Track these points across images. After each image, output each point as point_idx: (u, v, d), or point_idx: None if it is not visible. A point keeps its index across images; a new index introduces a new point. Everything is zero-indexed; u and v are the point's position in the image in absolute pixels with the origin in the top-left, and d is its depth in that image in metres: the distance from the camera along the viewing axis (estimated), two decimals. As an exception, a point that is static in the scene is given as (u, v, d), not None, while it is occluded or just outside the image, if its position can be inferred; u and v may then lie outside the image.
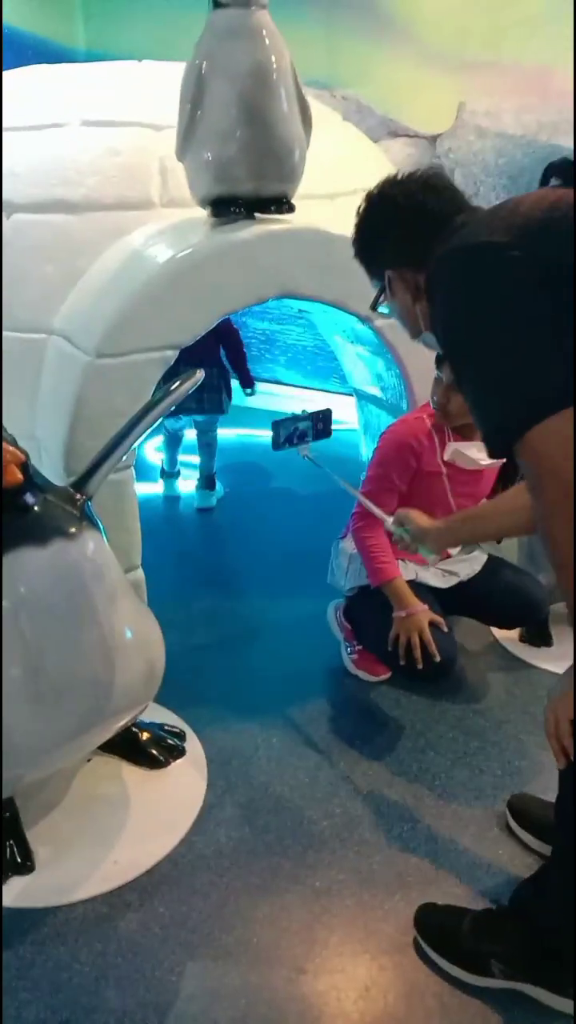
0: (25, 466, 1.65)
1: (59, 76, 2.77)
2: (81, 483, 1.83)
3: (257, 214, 2.19)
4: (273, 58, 2.01)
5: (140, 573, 2.30)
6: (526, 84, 3.46)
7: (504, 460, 2.18)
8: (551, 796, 2.02)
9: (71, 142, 2.44)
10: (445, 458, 2.08)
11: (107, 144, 2.44)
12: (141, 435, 1.92)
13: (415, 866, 1.85)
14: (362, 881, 1.82)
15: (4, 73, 2.87)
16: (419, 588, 2.26)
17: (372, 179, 2.93)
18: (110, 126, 2.48)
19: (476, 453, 2.09)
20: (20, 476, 1.62)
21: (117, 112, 2.52)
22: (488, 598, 2.37)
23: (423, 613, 2.13)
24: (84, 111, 2.51)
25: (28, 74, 2.84)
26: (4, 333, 2.30)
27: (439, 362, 2.15)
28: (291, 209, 2.20)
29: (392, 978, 1.62)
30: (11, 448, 1.62)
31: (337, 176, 2.75)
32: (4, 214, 2.36)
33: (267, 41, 2.00)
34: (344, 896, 1.78)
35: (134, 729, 2.11)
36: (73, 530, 1.72)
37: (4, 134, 2.50)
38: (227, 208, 2.14)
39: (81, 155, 2.42)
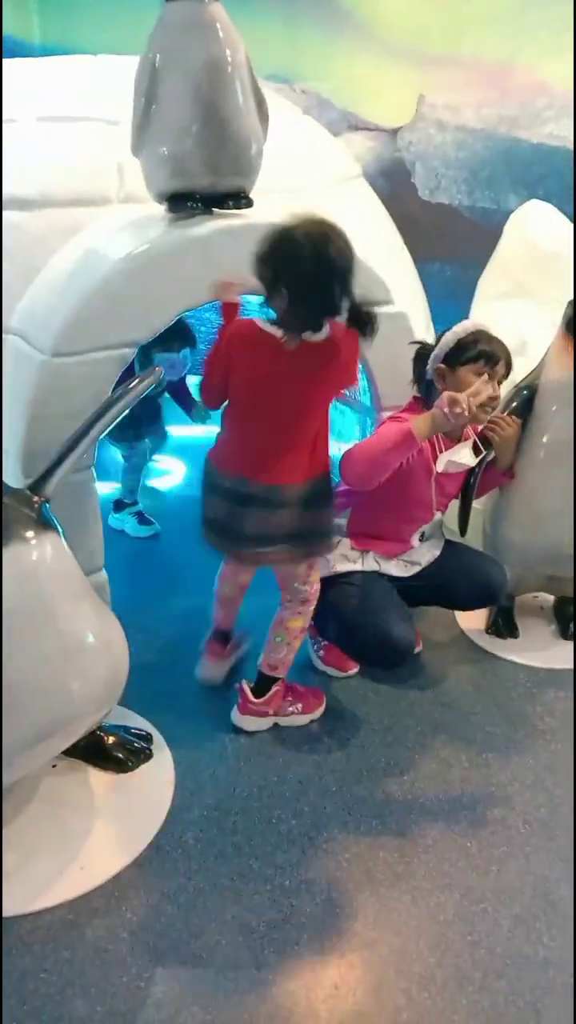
0: (-20, 469, 1.62)
1: (12, 71, 2.72)
2: (38, 485, 1.80)
3: (215, 209, 2.16)
4: (228, 51, 1.98)
5: (103, 575, 2.27)
6: (486, 79, 3.47)
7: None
8: (516, 787, 2.04)
9: (25, 138, 2.40)
10: (438, 469, 2.07)
11: (63, 140, 2.40)
12: (99, 434, 1.90)
13: (383, 862, 1.85)
14: (331, 879, 1.81)
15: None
16: (380, 579, 2.25)
17: (333, 173, 2.95)
18: (66, 121, 2.44)
19: (463, 455, 2.07)
20: (-25, 479, 1.59)
21: (73, 108, 2.48)
22: (448, 580, 2.36)
23: (444, 395, 2.00)
24: (39, 107, 2.47)
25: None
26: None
27: (438, 369, 2.19)
28: (249, 204, 2.18)
29: (361, 975, 1.62)
30: (-36, 451, 1.59)
31: (297, 170, 2.73)
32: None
33: (221, 34, 1.97)
34: (313, 895, 1.78)
35: (99, 733, 2.08)
36: (30, 533, 1.70)
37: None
38: (184, 203, 2.12)
39: (35, 151, 2.38)
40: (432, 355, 2.20)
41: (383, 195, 3.20)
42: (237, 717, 2.21)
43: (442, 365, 2.17)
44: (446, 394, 1.93)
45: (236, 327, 1.98)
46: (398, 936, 1.69)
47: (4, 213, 2.29)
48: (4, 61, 2.91)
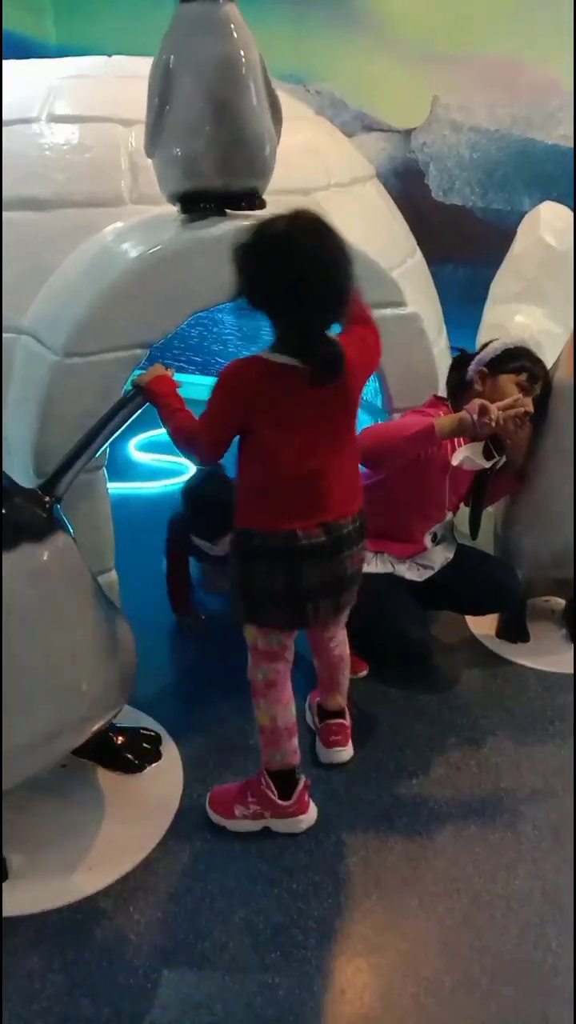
0: (-9, 469, 1.62)
1: (26, 71, 2.73)
2: (49, 485, 1.81)
3: (228, 210, 2.16)
4: (241, 52, 1.98)
5: (114, 575, 2.27)
6: (500, 79, 3.46)
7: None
8: (526, 792, 2.03)
9: (39, 138, 2.41)
10: (454, 462, 2.06)
11: (76, 140, 2.41)
12: (111, 436, 1.90)
13: (391, 867, 1.84)
14: (338, 883, 1.81)
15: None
16: (394, 583, 2.25)
17: (347, 174, 2.94)
18: (79, 122, 2.45)
19: (476, 454, 2.08)
20: (-13, 480, 1.59)
21: (86, 107, 2.49)
22: (460, 585, 2.36)
23: (475, 402, 1.95)
24: (52, 106, 2.48)
25: (-4, 69, 2.80)
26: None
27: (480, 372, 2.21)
28: (262, 205, 2.17)
29: (368, 980, 1.61)
30: (-24, 451, 1.59)
31: (311, 171, 2.73)
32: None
33: (235, 35, 1.97)
34: (321, 898, 1.77)
35: (108, 733, 2.08)
36: (41, 533, 1.70)
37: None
38: (197, 204, 2.11)
39: (50, 151, 2.39)
40: (477, 357, 2.24)
41: (396, 196, 3.19)
42: (342, 752, 2.09)
43: (485, 368, 2.19)
44: (478, 401, 1.92)
45: (243, 370, 1.71)
46: (405, 941, 1.68)
47: (18, 213, 2.30)
48: (18, 62, 2.93)
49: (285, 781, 1.89)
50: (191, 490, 2.63)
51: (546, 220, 3.18)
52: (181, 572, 2.67)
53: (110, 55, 2.85)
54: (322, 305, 1.63)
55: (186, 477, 3.80)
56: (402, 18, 3.61)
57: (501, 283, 3.26)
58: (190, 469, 3.85)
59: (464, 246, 3.73)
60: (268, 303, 1.64)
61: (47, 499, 1.77)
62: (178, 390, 1.86)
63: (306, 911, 1.74)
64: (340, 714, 2.12)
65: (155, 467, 3.88)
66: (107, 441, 1.89)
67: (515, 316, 3.16)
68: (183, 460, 3.90)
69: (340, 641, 2.06)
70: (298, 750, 1.91)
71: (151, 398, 1.85)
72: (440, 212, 3.81)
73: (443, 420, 1.96)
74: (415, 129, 3.77)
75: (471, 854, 1.87)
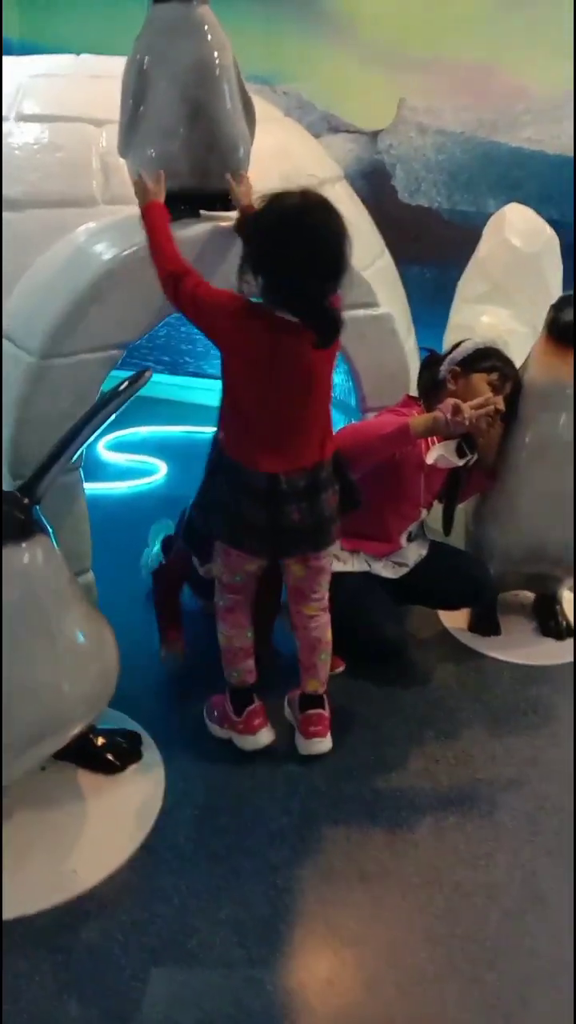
0: (-28, 471, 1.61)
1: (-6, 69, 2.70)
2: (29, 487, 1.80)
3: (202, 211, 2.17)
4: (216, 53, 1.99)
5: (91, 576, 2.27)
6: (466, 82, 3.51)
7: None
8: (502, 783, 2.08)
9: (9, 137, 2.38)
10: (428, 461, 2.10)
11: (47, 139, 2.39)
12: (89, 437, 1.90)
13: (374, 859, 1.87)
14: (322, 876, 1.83)
15: None
16: (370, 580, 2.28)
17: (315, 174, 2.95)
18: (49, 121, 2.43)
19: (449, 452, 2.12)
20: (-33, 482, 1.58)
21: (56, 107, 2.47)
22: (435, 581, 2.41)
23: (448, 401, 2.02)
24: (21, 105, 2.46)
25: (-39, 66, 2.77)
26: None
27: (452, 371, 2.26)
28: (235, 206, 2.18)
29: (354, 970, 1.64)
30: (-43, 454, 1.58)
31: (280, 171, 2.74)
32: None
33: (209, 36, 1.98)
34: (305, 892, 1.79)
35: (88, 735, 2.08)
36: (23, 536, 1.69)
37: None
38: (172, 205, 2.12)
39: (19, 150, 2.37)
40: (449, 356, 2.27)
41: (363, 197, 3.22)
42: (321, 743, 2.11)
43: (457, 367, 2.23)
44: (451, 401, 1.97)
45: (241, 300, 1.85)
46: (390, 931, 1.71)
47: (-9, 213, 2.28)
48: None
49: (241, 699, 2.12)
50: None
51: (511, 222, 3.23)
52: (173, 600, 2.55)
53: (78, 53, 2.83)
54: (331, 273, 1.79)
55: (157, 477, 3.83)
56: (371, 21, 3.65)
57: (467, 284, 3.31)
58: (160, 471, 3.85)
59: (430, 247, 3.78)
60: (278, 269, 1.77)
61: (27, 501, 1.76)
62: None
63: (291, 905, 1.77)
64: (318, 702, 2.15)
65: (125, 467, 3.87)
66: (86, 442, 1.89)
67: (481, 316, 3.20)
68: (153, 460, 3.90)
69: (319, 624, 2.12)
70: (253, 671, 2.13)
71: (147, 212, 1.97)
72: (406, 213, 3.86)
73: (417, 419, 2.00)
74: (382, 131, 3.81)
75: (451, 845, 1.91)
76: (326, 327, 1.82)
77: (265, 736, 2.11)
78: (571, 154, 3.58)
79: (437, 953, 1.66)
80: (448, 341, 3.00)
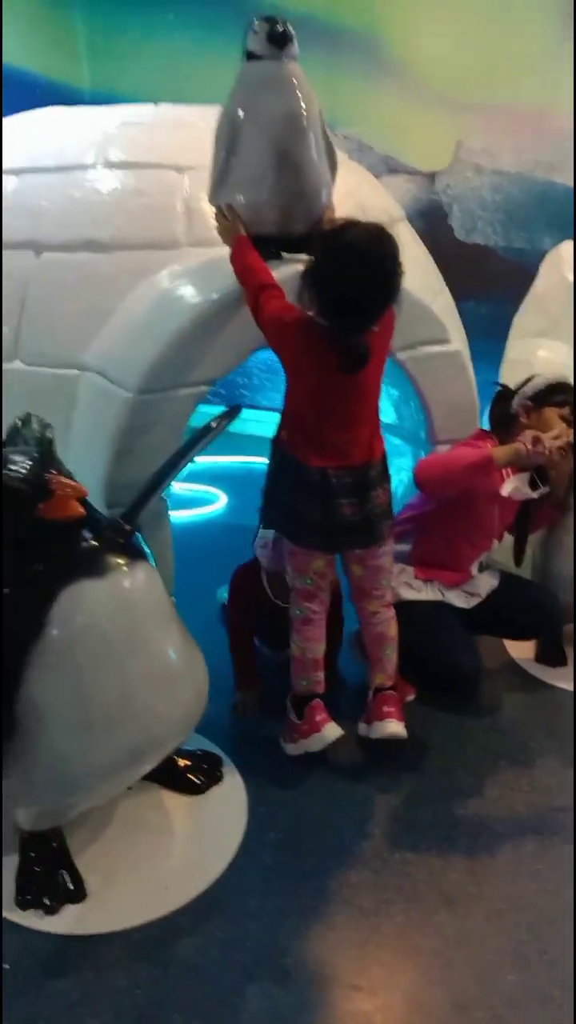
0: (84, 500, 1.70)
1: (78, 118, 2.85)
2: (130, 515, 1.89)
3: (284, 253, 2.27)
4: (304, 106, 2.10)
5: (173, 600, 2.34)
6: (523, 123, 3.62)
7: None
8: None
9: (97, 183, 2.51)
10: (504, 493, 2.17)
11: (132, 185, 2.51)
12: (184, 468, 1.99)
13: (456, 883, 1.91)
14: (407, 899, 1.87)
15: (20, 114, 2.95)
16: (443, 610, 2.33)
17: (381, 215, 3.05)
18: (134, 168, 2.55)
19: (524, 486, 2.20)
20: (82, 510, 1.67)
21: (140, 154, 2.60)
22: (506, 610, 2.46)
23: (528, 433, 2.16)
24: (107, 153, 2.59)
25: (45, 116, 2.92)
26: (36, 370, 2.36)
27: (524, 405, 2.35)
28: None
29: (444, 992, 1.67)
30: (73, 483, 1.67)
31: (349, 213, 2.84)
32: (34, 253, 2.43)
33: (298, 91, 2.09)
34: (392, 914, 1.83)
35: (172, 756, 2.14)
36: (127, 561, 1.78)
37: (30, 175, 2.58)
38: (258, 248, 2.22)
39: (107, 196, 2.49)
40: (520, 391, 2.34)
41: (420, 235, 3.31)
42: (394, 724, 2.17)
43: (529, 402, 2.30)
44: (530, 432, 2.04)
45: (295, 324, 1.99)
46: (478, 954, 1.74)
47: (79, 255, 2.40)
48: (68, 109, 3.06)
49: (302, 703, 2.20)
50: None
51: (568, 259, 3.31)
52: (247, 644, 2.54)
53: (156, 103, 2.97)
54: (372, 301, 1.92)
55: (217, 506, 3.92)
56: (428, 65, 3.79)
57: (524, 319, 3.38)
58: (220, 500, 3.94)
59: (485, 283, 3.86)
60: (328, 288, 1.91)
61: (128, 528, 1.85)
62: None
63: (378, 927, 1.80)
64: (388, 691, 2.22)
65: (185, 496, 3.96)
66: (180, 472, 1.98)
67: (539, 351, 3.27)
68: (213, 490, 4.00)
69: (383, 619, 2.22)
70: (322, 682, 2.23)
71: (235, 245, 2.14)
72: (462, 251, 3.97)
73: (500, 450, 2.09)
74: (439, 172, 3.92)
75: (532, 871, 1.94)
76: (351, 359, 1.95)
77: (331, 731, 2.16)
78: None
79: (526, 977, 1.69)
80: (505, 375, 3.07)
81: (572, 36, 3.45)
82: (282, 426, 2.13)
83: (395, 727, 2.17)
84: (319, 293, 1.92)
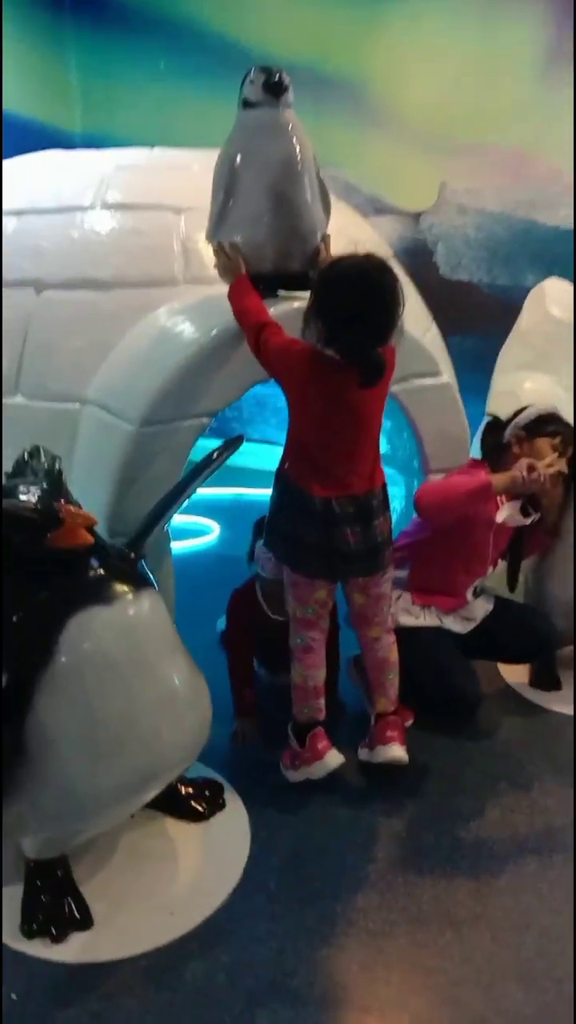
0: (91, 528, 1.74)
1: (75, 161, 2.94)
2: (135, 543, 1.93)
3: (280, 291, 2.35)
4: (299, 151, 2.19)
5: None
6: (505, 165, 3.76)
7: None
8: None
9: (95, 223, 2.59)
10: (499, 519, 2.24)
11: (130, 225, 2.59)
12: (188, 497, 2.04)
13: (461, 904, 1.93)
14: (412, 921, 1.89)
15: (18, 158, 3.04)
16: (443, 635, 2.38)
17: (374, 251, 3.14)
18: (133, 209, 2.63)
19: (517, 513, 2.27)
20: (91, 538, 1.71)
21: (138, 196, 2.68)
22: (501, 635, 2.51)
23: (523, 461, 2.23)
24: (105, 195, 2.67)
25: (43, 159, 3.01)
26: (37, 404, 2.42)
27: (517, 435, 2.43)
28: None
29: (454, 1012, 1.69)
30: (83, 512, 1.71)
31: (341, 251, 2.94)
32: (35, 291, 2.50)
33: (294, 137, 2.18)
34: (397, 936, 1.85)
35: (175, 784, 2.16)
36: (133, 589, 1.81)
37: (30, 216, 2.65)
38: (256, 286, 2.29)
39: (106, 236, 2.57)
40: (513, 422, 2.42)
41: (407, 272, 3.42)
42: (396, 749, 2.21)
43: (521, 432, 2.38)
44: (525, 460, 2.12)
45: (306, 347, 2.05)
46: (485, 973, 1.76)
47: (80, 293, 2.47)
48: (66, 152, 3.15)
49: (304, 731, 2.23)
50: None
51: (551, 295, 3.42)
52: (246, 669, 2.57)
53: (152, 146, 3.06)
54: (381, 324, 2.00)
55: (211, 538, 3.96)
56: (414, 111, 3.94)
57: (510, 353, 3.48)
58: (214, 531, 3.98)
59: (470, 318, 3.97)
60: (335, 318, 1.98)
61: (134, 556, 1.89)
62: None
63: (385, 948, 1.82)
64: (389, 716, 2.25)
65: (179, 527, 3.99)
66: (185, 501, 2.03)
67: (525, 383, 3.37)
68: (206, 520, 4.04)
69: (383, 645, 2.26)
70: (323, 709, 2.26)
71: (234, 284, 2.20)
72: (448, 287, 4.09)
73: (497, 477, 2.16)
74: (424, 212, 4.06)
75: (535, 890, 1.96)
76: (370, 369, 2.02)
77: (333, 758, 2.20)
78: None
79: (534, 995, 1.71)
80: (493, 406, 3.15)
81: (572, 80, 3.60)
82: (285, 457, 2.18)
83: (397, 751, 2.20)
84: (326, 319, 1.99)
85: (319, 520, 2.08)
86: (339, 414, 2.05)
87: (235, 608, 2.56)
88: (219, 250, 2.25)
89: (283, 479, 2.17)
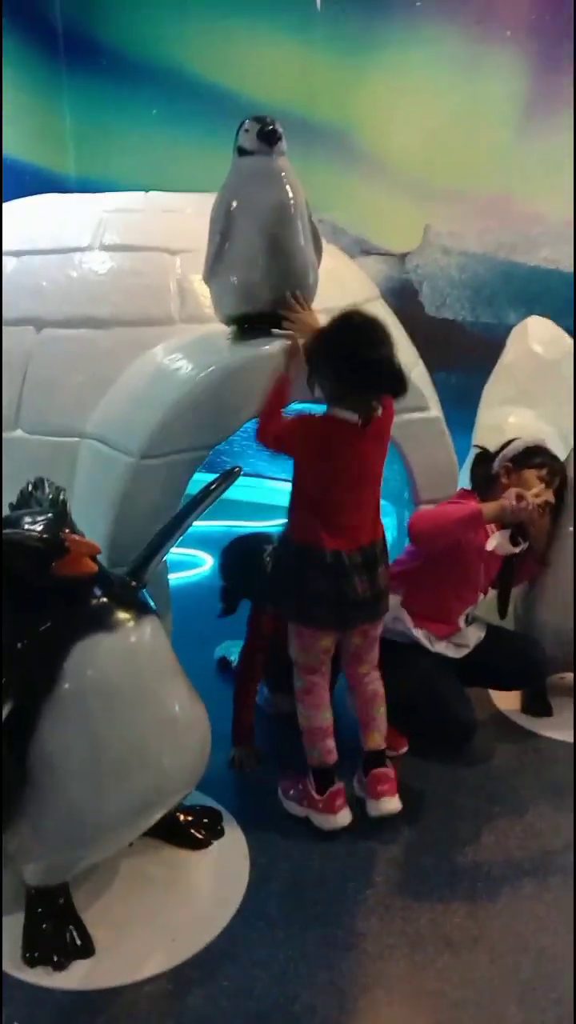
0: (95, 557, 1.79)
1: (73, 204, 3.04)
2: (136, 572, 1.98)
3: (274, 330, 2.43)
4: (292, 197, 2.29)
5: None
6: (486, 209, 3.91)
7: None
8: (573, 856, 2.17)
9: (94, 264, 2.67)
10: (488, 547, 2.30)
11: (128, 266, 2.67)
12: (188, 527, 2.09)
13: (459, 927, 1.95)
14: (411, 944, 1.91)
15: (16, 201, 3.14)
16: (438, 662, 2.43)
17: (359, 294, 3.26)
18: (128, 250, 2.72)
19: (506, 542, 2.34)
20: (95, 567, 1.76)
21: (135, 238, 2.77)
22: (493, 661, 2.56)
23: (512, 491, 2.31)
24: (103, 237, 2.76)
25: (41, 202, 3.11)
26: (37, 438, 2.47)
27: (505, 467, 2.51)
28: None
29: (454, 1034, 1.71)
30: (87, 541, 1.76)
31: (331, 291, 3.03)
32: (35, 329, 2.57)
33: (287, 183, 2.28)
34: (397, 959, 1.87)
35: (174, 812, 2.18)
36: (135, 616, 1.85)
37: (29, 257, 2.73)
38: (249, 325, 2.37)
39: (104, 276, 2.65)
40: (502, 454, 2.50)
41: (393, 311, 3.52)
42: (391, 802, 2.22)
43: (509, 463, 2.46)
44: (514, 490, 2.20)
45: (311, 425, 2.19)
46: (484, 995, 1.78)
47: (79, 331, 2.55)
48: (63, 196, 3.25)
49: (324, 778, 2.24)
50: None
51: (533, 333, 3.54)
52: (249, 699, 2.59)
53: (147, 190, 3.17)
54: (381, 377, 2.12)
55: (203, 570, 4.01)
56: (398, 156, 4.11)
57: (494, 388, 3.58)
58: (206, 564, 4.03)
59: (455, 355, 4.09)
60: (339, 376, 2.12)
61: (135, 584, 1.94)
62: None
63: (385, 971, 1.84)
64: (380, 760, 2.28)
65: (171, 560, 4.02)
66: (185, 530, 2.08)
67: (509, 418, 3.46)
68: (199, 553, 4.09)
69: (374, 678, 2.32)
70: (334, 750, 2.26)
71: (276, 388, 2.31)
72: (433, 325, 4.22)
73: (487, 506, 2.24)
74: (409, 253, 4.20)
75: (531, 913, 1.99)
76: (395, 383, 2.14)
77: (344, 817, 2.22)
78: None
79: (533, 1016, 1.73)
80: (478, 439, 3.23)
81: (573, 125, 3.77)
82: (292, 519, 2.26)
83: (390, 805, 2.24)
84: (335, 373, 2.11)
85: (331, 572, 2.15)
86: (350, 469, 2.17)
87: (256, 626, 2.58)
88: (294, 306, 2.29)
89: (288, 542, 2.27)
